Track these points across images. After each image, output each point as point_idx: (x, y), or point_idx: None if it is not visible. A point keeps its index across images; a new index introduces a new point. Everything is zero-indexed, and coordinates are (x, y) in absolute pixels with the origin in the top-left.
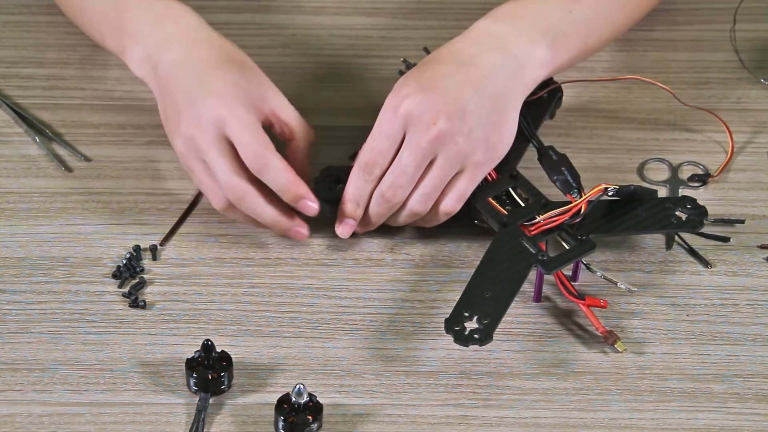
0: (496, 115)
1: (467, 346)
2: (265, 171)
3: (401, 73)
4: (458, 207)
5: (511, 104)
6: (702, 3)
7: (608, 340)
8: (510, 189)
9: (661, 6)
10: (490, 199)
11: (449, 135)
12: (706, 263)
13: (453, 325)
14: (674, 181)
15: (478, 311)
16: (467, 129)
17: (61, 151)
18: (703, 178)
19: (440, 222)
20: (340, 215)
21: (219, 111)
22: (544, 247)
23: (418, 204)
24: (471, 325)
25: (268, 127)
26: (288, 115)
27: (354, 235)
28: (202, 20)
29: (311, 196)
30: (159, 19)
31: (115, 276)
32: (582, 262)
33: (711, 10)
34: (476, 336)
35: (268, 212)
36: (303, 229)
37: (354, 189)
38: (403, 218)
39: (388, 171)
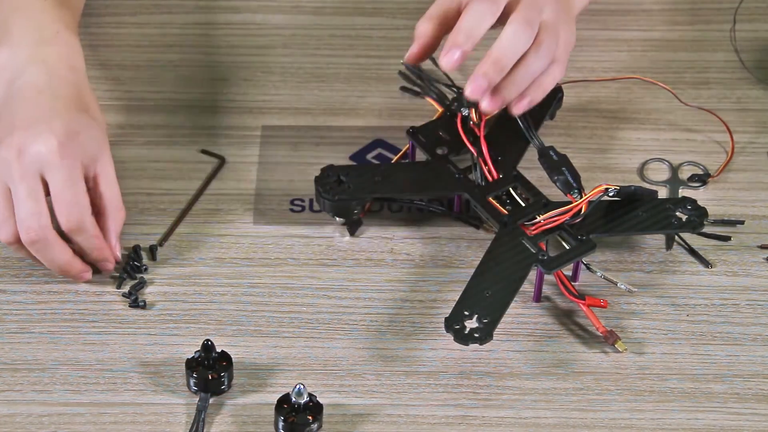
0: (570, 17)
1: (467, 345)
2: (78, 234)
3: (401, 73)
4: (561, 76)
5: (574, 13)
6: (702, 3)
7: (609, 340)
8: (510, 189)
9: (661, 6)
10: (491, 198)
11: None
12: (706, 263)
13: (453, 323)
14: (674, 181)
15: (479, 310)
16: (562, 21)
17: None
18: (703, 178)
19: (547, 91)
20: (447, 44)
21: (50, 152)
22: (544, 247)
23: (537, 60)
24: (471, 324)
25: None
26: (108, 188)
27: (354, 234)
28: (82, 61)
29: (111, 257)
30: (42, 41)
31: (120, 277)
32: (582, 262)
33: (711, 10)
34: (476, 335)
35: (58, 259)
36: (87, 273)
37: (469, 20)
38: (522, 74)
39: (509, 20)
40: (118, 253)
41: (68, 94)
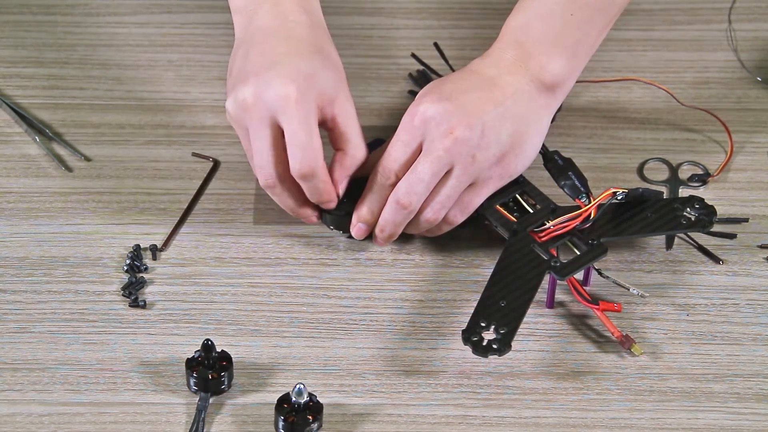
0: (517, 137)
1: (486, 357)
2: (308, 179)
3: (410, 76)
4: (461, 219)
5: (533, 127)
6: (702, 3)
7: (624, 344)
8: (517, 195)
9: (661, 6)
10: (498, 206)
11: (466, 146)
12: (717, 260)
13: (471, 335)
14: (674, 181)
15: (495, 321)
16: (485, 144)
17: (61, 151)
18: (703, 178)
19: (442, 233)
20: (354, 218)
21: (283, 98)
22: (555, 254)
23: (431, 213)
24: (489, 335)
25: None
26: (348, 127)
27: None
28: (317, 3)
29: (334, 200)
30: None
31: (127, 272)
32: (594, 268)
33: (711, 9)
34: (495, 346)
35: (290, 205)
36: (314, 217)
37: (369, 194)
38: (414, 227)
39: (404, 178)
40: (341, 192)
41: (301, 36)
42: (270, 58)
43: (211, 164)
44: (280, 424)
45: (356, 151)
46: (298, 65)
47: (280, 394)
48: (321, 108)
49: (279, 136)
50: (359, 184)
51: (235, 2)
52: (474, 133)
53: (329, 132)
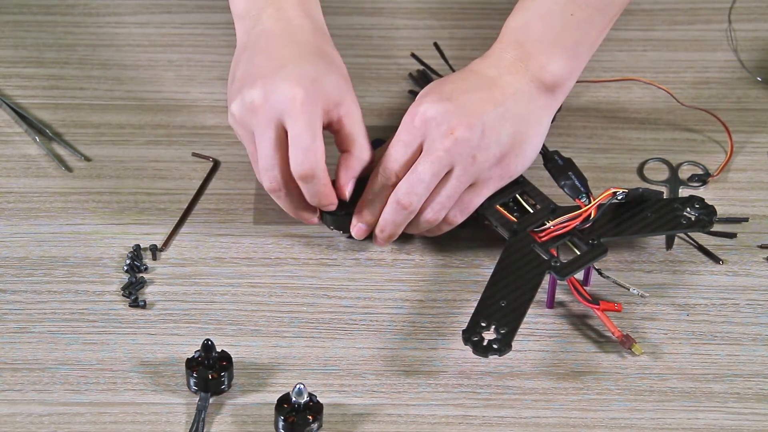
0: (517, 138)
1: (487, 357)
2: (308, 181)
3: (410, 76)
4: (461, 220)
5: (533, 127)
6: (702, 3)
7: (625, 344)
8: (517, 195)
9: (661, 6)
10: (498, 206)
11: (466, 146)
12: (717, 260)
13: (471, 335)
14: (674, 181)
15: (495, 320)
16: (485, 144)
17: (61, 151)
18: (703, 178)
19: (442, 233)
20: (354, 218)
21: (288, 101)
22: (555, 254)
23: (432, 213)
24: (489, 335)
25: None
26: (354, 129)
27: (367, 238)
28: (318, 8)
29: (335, 203)
30: None
31: (127, 272)
32: (594, 268)
33: (711, 9)
34: (495, 346)
35: (290, 207)
36: (315, 219)
37: (370, 194)
38: (414, 227)
39: (404, 178)
40: (347, 194)
41: (305, 40)
42: (276, 62)
43: (211, 164)
44: (280, 424)
45: (362, 152)
46: (304, 68)
47: (280, 394)
48: (327, 111)
49: (284, 139)
50: (359, 184)
51: (237, 7)
52: (474, 133)
53: (335, 134)
